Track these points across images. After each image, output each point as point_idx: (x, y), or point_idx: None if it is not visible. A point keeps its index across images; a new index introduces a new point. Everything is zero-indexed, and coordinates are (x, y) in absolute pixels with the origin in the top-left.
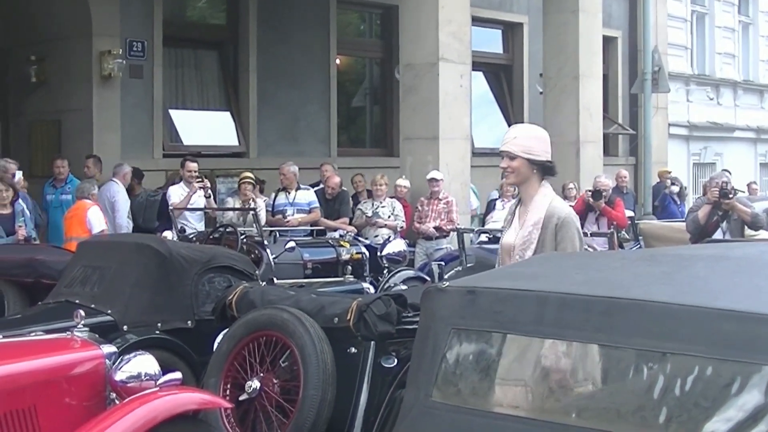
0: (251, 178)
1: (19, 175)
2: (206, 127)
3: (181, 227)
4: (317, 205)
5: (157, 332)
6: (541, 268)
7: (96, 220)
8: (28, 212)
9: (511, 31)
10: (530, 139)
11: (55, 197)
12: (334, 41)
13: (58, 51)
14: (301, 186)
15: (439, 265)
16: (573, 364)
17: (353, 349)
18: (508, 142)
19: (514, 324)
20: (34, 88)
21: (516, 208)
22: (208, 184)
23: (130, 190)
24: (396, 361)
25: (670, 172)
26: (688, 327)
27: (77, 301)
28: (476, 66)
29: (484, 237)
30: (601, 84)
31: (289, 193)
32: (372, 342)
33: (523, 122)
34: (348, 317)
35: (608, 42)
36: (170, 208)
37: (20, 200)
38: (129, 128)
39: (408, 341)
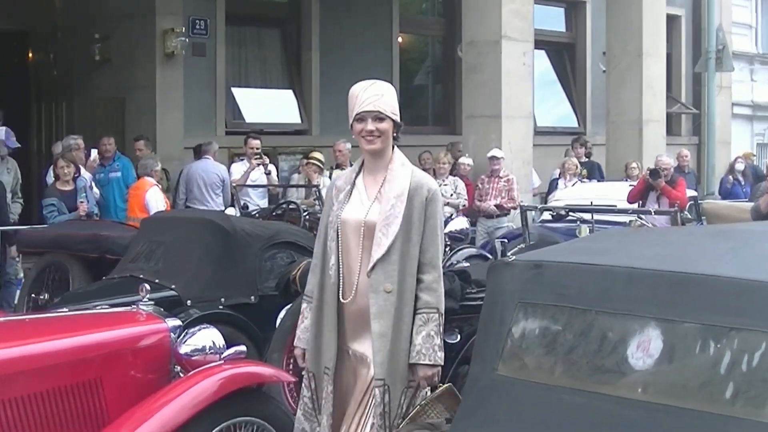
0: (319, 162)
1: (94, 153)
2: (268, 105)
3: (244, 204)
4: None
5: (221, 307)
6: (608, 242)
7: (154, 201)
8: (95, 188)
9: (574, 9)
10: (394, 98)
11: (104, 175)
12: (396, 19)
13: (121, 29)
14: (353, 163)
15: (502, 242)
16: (639, 338)
17: None
18: (373, 101)
19: (580, 298)
20: (98, 66)
21: (356, 177)
22: (267, 161)
23: None
24: (459, 336)
25: (754, 155)
26: (756, 302)
27: (141, 276)
28: (539, 44)
29: (546, 215)
30: (665, 63)
31: (344, 170)
32: None
33: (586, 102)
34: None
35: (672, 20)
36: (232, 185)
37: (82, 176)
38: (192, 106)
39: (471, 317)
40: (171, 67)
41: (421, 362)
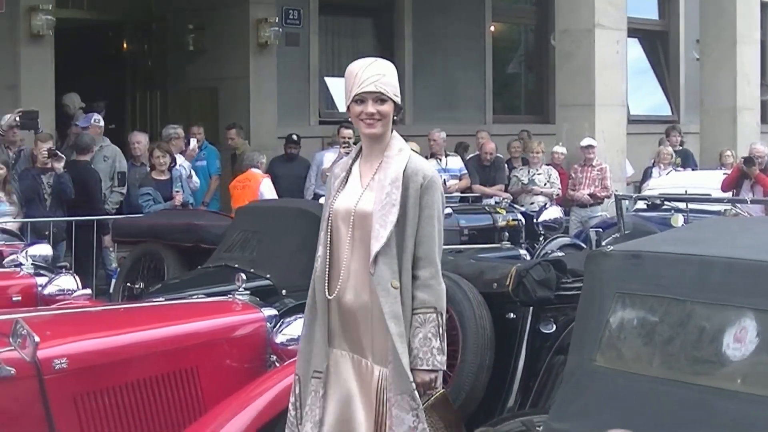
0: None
1: (193, 143)
2: None
3: None
4: (466, 171)
5: None
6: (705, 232)
7: (268, 193)
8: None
9: None
10: (395, 78)
11: (192, 164)
12: (489, 8)
13: (215, 19)
14: (449, 153)
15: (596, 231)
16: (738, 329)
17: (512, 315)
18: (374, 80)
19: (677, 288)
20: (192, 56)
21: (353, 164)
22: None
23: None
24: (554, 326)
25: None
26: None
27: (236, 266)
28: (631, 32)
29: (640, 204)
30: (759, 50)
31: (440, 159)
32: (531, 307)
33: (679, 90)
34: (507, 282)
35: (766, 7)
36: (317, 169)
37: (177, 166)
38: (285, 96)
39: (567, 307)
40: (264, 57)
41: (419, 367)
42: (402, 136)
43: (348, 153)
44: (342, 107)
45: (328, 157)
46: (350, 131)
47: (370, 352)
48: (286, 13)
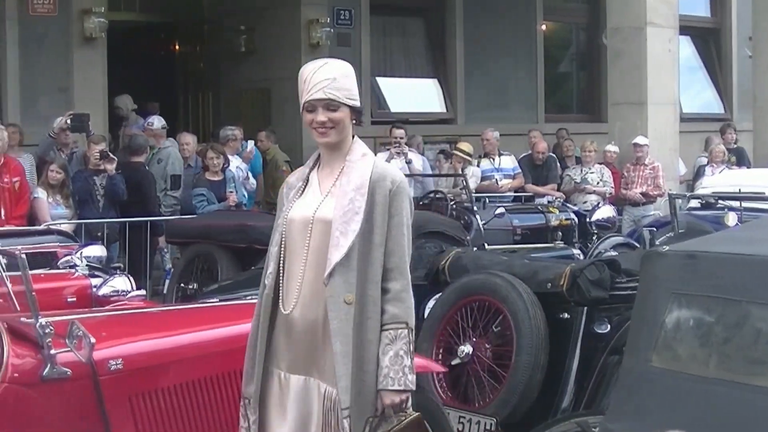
0: (465, 154)
1: (250, 144)
2: (413, 95)
3: None
4: (520, 170)
5: None
6: (761, 231)
7: None
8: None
9: None
10: (349, 80)
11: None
12: (540, 7)
13: (266, 20)
14: (503, 152)
15: (650, 231)
16: None
17: (566, 315)
18: (323, 86)
19: (734, 289)
20: (243, 57)
21: (311, 172)
22: (407, 150)
23: None
24: (609, 327)
25: None
26: None
27: None
28: (683, 30)
29: (694, 203)
30: None
31: (493, 159)
32: (585, 307)
33: (732, 88)
34: (561, 282)
35: None
36: None
37: (234, 168)
38: None
39: (621, 307)
40: (316, 58)
41: (389, 387)
42: (453, 135)
43: (399, 153)
44: (394, 107)
45: (381, 158)
46: (402, 131)
47: (317, 370)
48: (337, 14)
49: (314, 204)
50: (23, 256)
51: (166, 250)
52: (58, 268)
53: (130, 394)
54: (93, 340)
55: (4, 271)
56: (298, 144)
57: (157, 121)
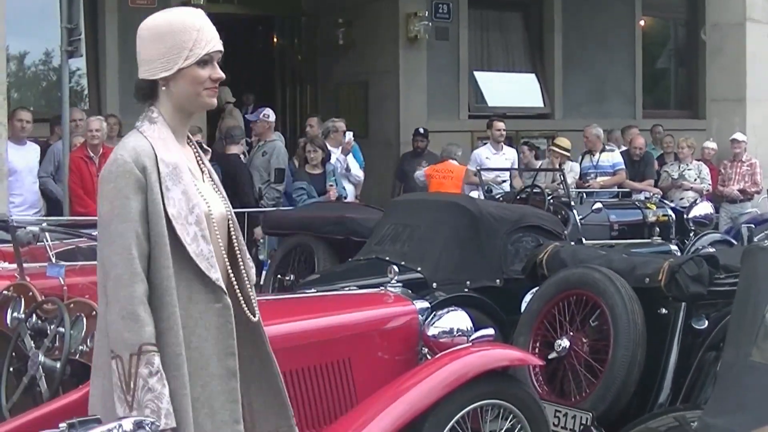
0: (563, 150)
1: (349, 136)
2: (511, 89)
3: (488, 187)
4: (622, 167)
5: (466, 290)
6: None
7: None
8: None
9: None
10: None
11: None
12: (639, 2)
13: (365, 14)
14: (607, 147)
15: (748, 227)
16: None
17: (664, 310)
18: (217, 37)
19: None
20: (341, 51)
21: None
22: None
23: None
24: (706, 322)
25: None
26: None
27: (387, 258)
28: None
29: None
30: None
31: (593, 155)
32: (683, 303)
33: None
34: (659, 278)
35: None
36: (476, 168)
37: (334, 160)
38: (435, 90)
39: (719, 303)
40: (414, 51)
41: None
42: (551, 130)
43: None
44: (492, 101)
45: (482, 152)
46: (502, 124)
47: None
48: (435, 8)
49: (212, 195)
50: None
51: (261, 241)
52: None
53: None
54: None
55: None
56: (394, 138)
57: (272, 115)
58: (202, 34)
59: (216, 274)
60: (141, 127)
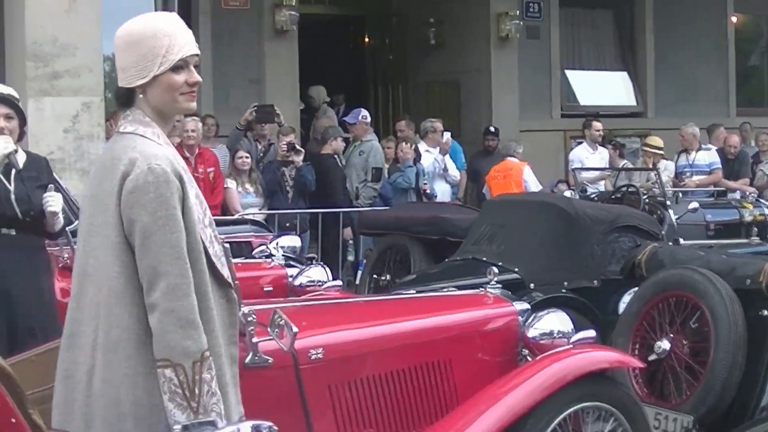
0: (655, 149)
1: (447, 136)
2: (603, 87)
3: (582, 187)
4: (718, 166)
5: (563, 291)
6: None
7: (532, 180)
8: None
9: None
10: None
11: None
12: (730, 0)
13: (455, 13)
14: (703, 146)
15: None
16: None
17: (765, 312)
18: (193, 40)
19: None
20: (432, 50)
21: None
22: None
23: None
24: None
25: None
26: None
27: (484, 259)
28: None
29: None
30: None
31: (689, 154)
32: None
33: None
34: (760, 279)
35: None
36: (571, 168)
37: (424, 160)
38: (526, 89)
39: None
40: (505, 50)
41: None
42: (644, 129)
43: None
44: (584, 100)
45: (580, 152)
46: (600, 123)
47: None
48: (526, 6)
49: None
50: (227, 245)
51: (350, 242)
52: (254, 258)
53: (329, 384)
54: (295, 329)
55: None
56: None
57: (369, 116)
58: (174, 39)
59: (226, 272)
60: (140, 131)
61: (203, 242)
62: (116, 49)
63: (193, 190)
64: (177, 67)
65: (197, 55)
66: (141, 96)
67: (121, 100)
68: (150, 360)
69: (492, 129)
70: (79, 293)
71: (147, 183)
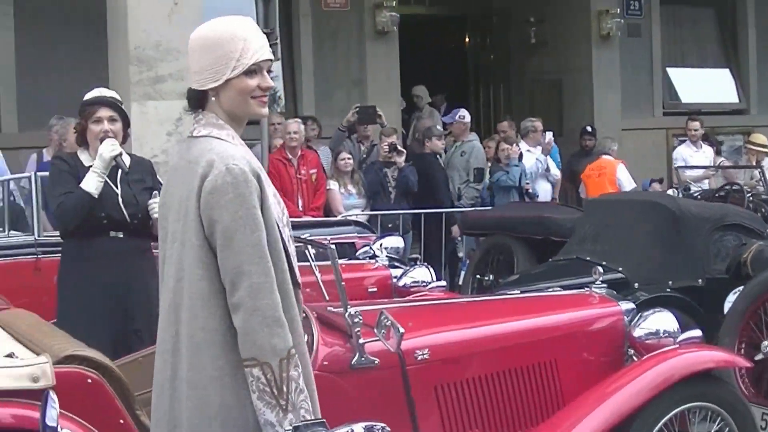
0: (759, 146)
1: (549, 136)
2: (705, 85)
3: (686, 185)
4: None
5: (668, 290)
6: None
7: (625, 178)
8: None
9: None
10: None
11: None
12: None
13: (556, 12)
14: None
15: None
16: None
17: None
18: (267, 44)
19: None
20: (533, 49)
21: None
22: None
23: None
24: None
25: None
26: None
27: (588, 258)
28: None
29: None
30: None
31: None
32: None
33: None
34: None
35: None
36: (675, 166)
37: (525, 159)
38: (628, 87)
39: None
40: (607, 49)
41: None
42: (746, 126)
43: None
44: (686, 98)
45: (684, 151)
46: (697, 122)
47: None
48: (627, 4)
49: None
50: (333, 246)
51: (459, 239)
52: (357, 259)
53: (435, 384)
54: (402, 330)
55: (313, 261)
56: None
57: (468, 116)
58: (249, 43)
59: (298, 272)
60: (214, 133)
61: (284, 241)
62: (190, 51)
63: (271, 190)
64: (250, 71)
65: (271, 60)
66: (213, 99)
67: (193, 102)
68: (236, 360)
69: (589, 129)
70: (161, 300)
71: (226, 183)
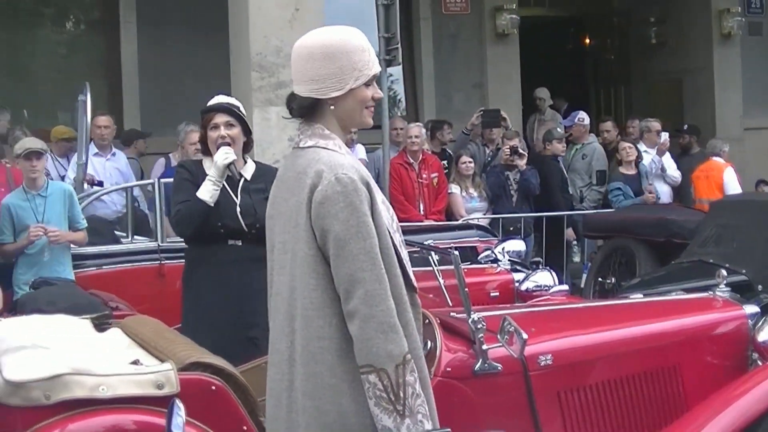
0: None
1: (664, 136)
2: None
3: None
4: None
5: None
6: None
7: (732, 182)
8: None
9: None
10: None
11: None
12: None
13: (676, 11)
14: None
15: None
16: None
17: None
18: (377, 59)
19: None
20: (654, 49)
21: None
22: None
23: None
24: None
25: None
26: None
27: (711, 261)
28: None
29: None
30: None
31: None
32: None
33: None
34: None
35: None
36: None
37: (644, 161)
38: (749, 86)
39: None
40: (728, 48)
41: None
42: None
43: None
44: None
45: None
46: None
47: None
48: (748, 2)
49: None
50: (456, 252)
51: (575, 243)
52: (479, 263)
53: (558, 390)
54: (525, 336)
55: (436, 266)
56: (711, 136)
57: (587, 118)
58: (371, 55)
59: (412, 275)
60: (320, 144)
61: (395, 246)
62: (309, 59)
63: (380, 197)
64: (368, 83)
65: (378, 73)
66: (331, 107)
67: (304, 110)
68: (352, 368)
69: (684, 127)
70: (272, 311)
71: (336, 193)
